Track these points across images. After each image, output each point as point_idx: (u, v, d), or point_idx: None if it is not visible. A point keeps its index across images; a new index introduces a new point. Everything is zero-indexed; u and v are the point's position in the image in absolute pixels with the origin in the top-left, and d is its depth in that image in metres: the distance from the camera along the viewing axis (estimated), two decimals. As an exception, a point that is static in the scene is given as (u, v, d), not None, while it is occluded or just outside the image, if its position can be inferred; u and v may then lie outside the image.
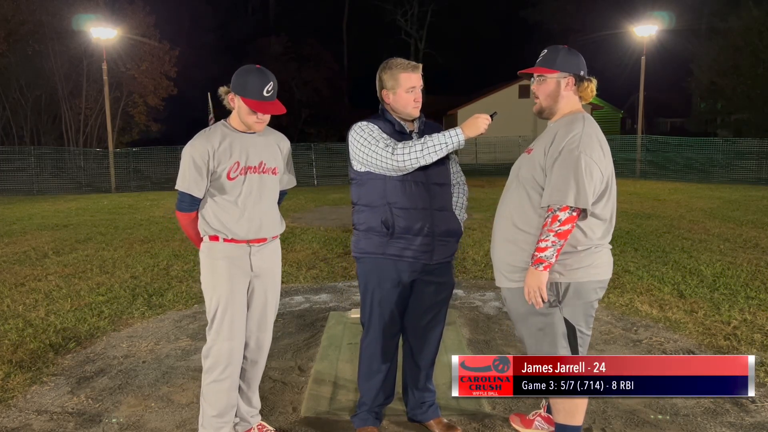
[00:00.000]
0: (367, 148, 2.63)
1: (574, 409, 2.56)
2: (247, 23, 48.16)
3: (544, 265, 2.37)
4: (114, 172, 20.76)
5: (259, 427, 2.93)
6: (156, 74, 28.43)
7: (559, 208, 2.32)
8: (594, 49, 38.94)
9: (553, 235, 2.33)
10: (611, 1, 40.63)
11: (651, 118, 42.21)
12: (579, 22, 43.86)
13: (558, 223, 2.32)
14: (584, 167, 2.32)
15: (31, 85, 26.71)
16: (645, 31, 22.46)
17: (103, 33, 20.74)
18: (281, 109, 2.63)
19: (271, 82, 2.57)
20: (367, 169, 2.68)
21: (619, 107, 40.86)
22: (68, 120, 27.91)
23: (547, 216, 2.36)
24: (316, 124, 39.34)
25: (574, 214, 2.34)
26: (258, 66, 2.61)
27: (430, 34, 49.68)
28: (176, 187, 2.66)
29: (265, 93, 2.56)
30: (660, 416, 3.10)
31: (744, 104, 27.87)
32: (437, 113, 36.62)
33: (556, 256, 2.37)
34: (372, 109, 2.89)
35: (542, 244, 2.36)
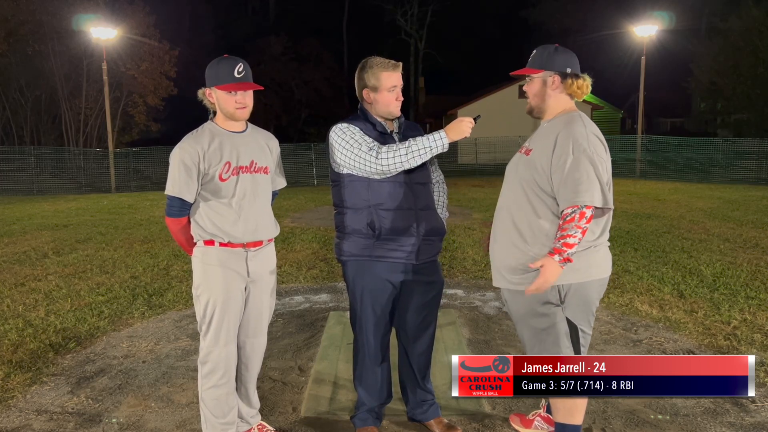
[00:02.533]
0: (350, 151, 2.62)
1: (573, 408, 2.56)
2: (247, 23, 48.18)
3: (568, 261, 2.35)
4: (114, 172, 20.77)
5: (259, 427, 2.93)
6: (156, 74, 28.43)
7: (585, 205, 2.31)
8: (594, 49, 39.04)
9: (581, 232, 2.32)
10: (611, 1, 40.65)
11: (651, 118, 42.21)
12: (579, 22, 43.90)
13: (585, 220, 2.31)
14: (598, 165, 2.34)
15: (31, 85, 26.73)
16: (645, 31, 22.46)
17: (103, 33, 20.75)
18: (257, 86, 2.63)
19: (241, 64, 2.56)
20: (349, 171, 2.67)
21: (619, 107, 40.87)
22: (68, 120, 27.92)
23: (573, 211, 2.31)
24: (316, 124, 39.30)
25: (594, 213, 2.35)
26: (225, 55, 2.62)
27: (430, 34, 49.72)
28: (166, 192, 2.60)
29: (236, 74, 2.54)
30: (660, 416, 3.10)
31: (744, 104, 27.88)
32: (437, 113, 36.62)
33: None
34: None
35: (570, 240, 2.31)
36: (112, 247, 8.33)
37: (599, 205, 2.32)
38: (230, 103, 2.58)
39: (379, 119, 2.74)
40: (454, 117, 32.61)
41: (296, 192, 17.21)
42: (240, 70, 2.55)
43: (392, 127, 2.78)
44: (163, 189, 2.63)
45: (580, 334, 2.52)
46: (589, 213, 2.32)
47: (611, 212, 2.51)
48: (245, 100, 2.61)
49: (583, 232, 2.33)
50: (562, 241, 2.33)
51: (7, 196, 18.11)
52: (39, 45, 25.29)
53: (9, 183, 19.96)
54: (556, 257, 2.33)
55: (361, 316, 2.79)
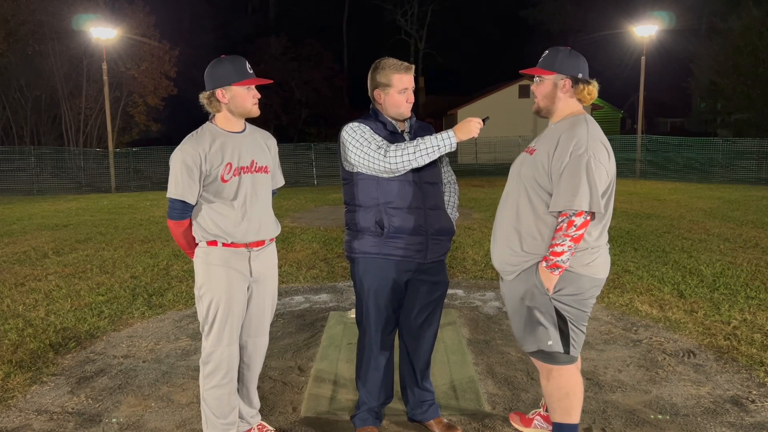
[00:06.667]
0: (359, 150, 2.63)
1: (570, 408, 2.57)
2: (247, 23, 48.18)
3: (559, 270, 2.39)
4: (114, 172, 20.77)
5: (259, 427, 2.93)
6: (156, 74, 28.41)
7: (575, 213, 2.33)
8: (594, 49, 39.08)
9: (570, 240, 2.34)
10: (611, 1, 40.71)
11: (651, 118, 42.24)
12: (579, 22, 43.95)
13: (574, 228, 2.33)
14: (594, 170, 2.33)
15: (31, 85, 26.70)
16: (645, 31, 22.45)
17: (103, 33, 20.74)
18: (269, 80, 2.74)
19: (246, 61, 2.64)
20: (359, 170, 2.68)
21: (619, 107, 40.89)
22: (68, 120, 27.90)
23: (562, 221, 2.36)
24: (316, 124, 39.31)
25: (588, 218, 2.35)
26: (223, 56, 2.65)
27: (430, 34, 49.75)
28: (168, 195, 2.59)
29: (249, 70, 2.61)
30: (660, 416, 3.10)
31: (744, 104, 27.84)
32: (437, 113, 36.62)
33: (569, 260, 2.40)
34: (372, 108, 2.90)
35: (558, 249, 2.36)
36: (112, 247, 8.33)
37: (586, 209, 2.32)
38: (248, 99, 2.61)
39: (389, 119, 2.75)
40: (454, 117, 32.70)
41: (296, 192, 17.21)
42: (249, 67, 2.62)
43: (403, 127, 2.80)
44: (164, 189, 2.62)
45: (570, 327, 2.50)
46: (579, 221, 2.33)
47: (609, 216, 2.50)
48: (257, 96, 2.66)
49: (574, 240, 2.34)
50: (551, 249, 2.39)
51: (7, 196, 18.11)
52: (39, 45, 25.25)
53: (9, 183, 19.96)
54: (544, 264, 2.41)
55: (367, 314, 2.80)
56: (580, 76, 2.50)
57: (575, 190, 2.32)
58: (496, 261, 2.63)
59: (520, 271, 2.53)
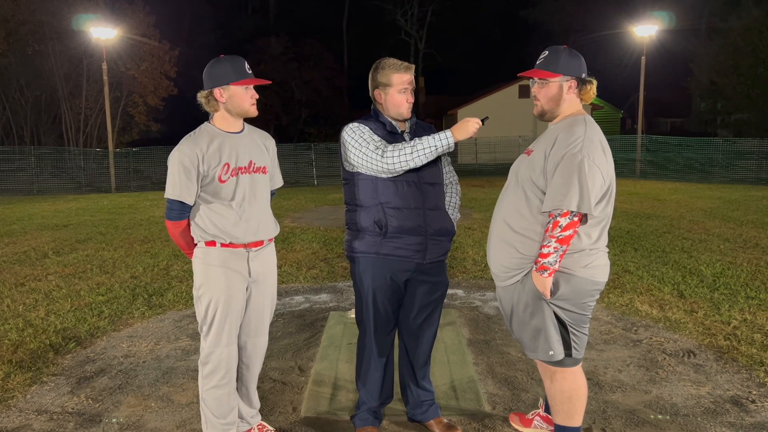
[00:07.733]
0: (358, 150, 2.64)
1: (572, 411, 2.56)
2: (247, 23, 48.20)
3: (548, 271, 2.36)
4: (114, 172, 20.77)
5: (259, 427, 2.93)
6: (156, 74, 28.42)
7: (560, 213, 2.30)
8: (594, 49, 39.13)
9: (555, 241, 2.31)
10: (611, 1, 40.72)
11: (651, 118, 42.23)
12: (579, 22, 43.98)
13: (559, 229, 2.30)
14: (587, 171, 2.29)
15: (31, 85, 26.71)
16: (645, 31, 22.46)
17: (103, 33, 20.73)
18: (267, 81, 2.75)
19: (245, 61, 2.63)
20: (359, 170, 2.69)
21: (619, 107, 40.90)
22: (68, 120, 27.91)
23: (549, 222, 2.34)
24: (316, 124, 39.32)
25: (576, 219, 2.31)
26: (222, 55, 2.64)
27: (430, 34, 49.78)
28: (165, 196, 2.59)
29: (248, 70, 2.60)
30: (660, 416, 3.10)
31: (744, 104, 27.84)
32: (437, 113, 36.61)
33: (559, 261, 2.37)
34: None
35: (545, 250, 2.34)
36: (112, 247, 8.33)
37: (574, 209, 2.28)
38: (246, 99, 2.61)
39: (390, 119, 2.75)
40: (454, 117, 32.70)
41: (296, 192, 17.19)
42: (248, 67, 2.60)
43: (404, 127, 2.80)
44: (164, 188, 2.62)
45: (571, 330, 2.49)
46: (564, 221, 2.29)
47: (609, 218, 2.48)
48: (255, 97, 2.65)
49: (560, 241, 2.31)
50: (540, 251, 2.38)
51: (7, 196, 18.11)
52: (39, 45, 25.26)
53: (9, 183, 19.95)
54: (534, 267, 2.40)
55: (366, 314, 2.80)
56: (584, 76, 2.49)
57: (566, 190, 2.29)
58: (493, 264, 2.61)
59: (517, 275, 2.51)
